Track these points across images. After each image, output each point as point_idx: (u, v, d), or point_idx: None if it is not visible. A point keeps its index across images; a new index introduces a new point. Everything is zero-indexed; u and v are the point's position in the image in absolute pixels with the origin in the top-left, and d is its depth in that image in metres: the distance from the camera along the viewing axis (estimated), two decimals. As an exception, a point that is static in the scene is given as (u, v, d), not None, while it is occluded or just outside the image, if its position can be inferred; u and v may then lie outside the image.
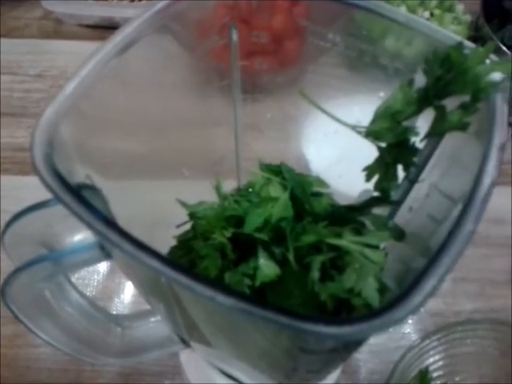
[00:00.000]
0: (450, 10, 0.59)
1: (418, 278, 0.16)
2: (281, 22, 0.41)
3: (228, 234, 0.24)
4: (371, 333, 0.15)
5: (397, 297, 0.15)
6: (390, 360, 0.40)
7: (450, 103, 0.22)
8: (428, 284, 0.15)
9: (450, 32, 0.25)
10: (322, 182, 0.31)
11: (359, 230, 0.27)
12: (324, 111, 0.26)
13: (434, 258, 0.16)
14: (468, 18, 0.60)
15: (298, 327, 0.14)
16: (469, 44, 0.23)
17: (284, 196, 0.27)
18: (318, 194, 0.30)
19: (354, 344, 0.22)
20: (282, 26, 0.40)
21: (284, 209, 0.26)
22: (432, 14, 0.59)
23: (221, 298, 0.15)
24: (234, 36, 0.31)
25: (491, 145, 0.20)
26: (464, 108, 0.22)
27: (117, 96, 0.26)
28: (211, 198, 0.32)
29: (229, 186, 0.34)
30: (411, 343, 0.38)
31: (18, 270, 0.23)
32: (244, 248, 0.25)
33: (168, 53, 0.30)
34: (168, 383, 0.43)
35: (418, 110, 0.23)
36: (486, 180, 0.18)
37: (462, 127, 0.22)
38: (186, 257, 0.26)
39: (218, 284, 0.15)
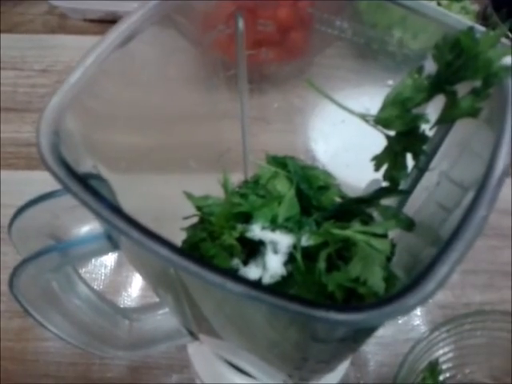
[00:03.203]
0: (457, -1, 0.59)
1: (430, 264, 0.15)
2: (286, 13, 0.40)
3: (236, 234, 0.24)
4: (383, 319, 0.15)
5: (409, 283, 0.15)
6: (399, 352, 0.40)
7: (461, 89, 0.22)
8: (441, 270, 0.15)
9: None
10: (328, 175, 0.31)
11: (367, 221, 0.27)
12: (331, 99, 0.26)
13: (446, 243, 0.16)
14: (476, 7, 0.59)
15: (310, 314, 0.14)
16: (479, 28, 0.23)
17: (290, 193, 0.27)
18: (325, 187, 0.30)
19: (365, 332, 0.22)
20: (287, 16, 0.40)
21: (290, 207, 0.26)
22: (439, 4, 0.58)
23: (231, 285, 0.15)
24: (241, 24, 0.30)
25: (504, 130, 0.19)
26: (475, 94, 0.21)
27: (120, 89, 0.26)
28: (218, 190, 0.32)
29: (236, 177, 0.34)
30: (420, 335, 0.38)
31: (25, 261, 0.23)
32: (252, 244, 0.25)
33: (172, 44, 0.30)
34: (176, 376, 0.43)
35: (428, 97, 0.23)
36: (499, 165, 0.18)
37: (474, 113, 0.21)
38: (195, 252, 0.26)
39: (228, 271, 0.15)
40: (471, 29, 0.21)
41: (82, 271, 0.47)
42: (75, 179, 0.17)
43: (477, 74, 0.21)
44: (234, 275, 0.15)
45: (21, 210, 0.23)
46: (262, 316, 0.20)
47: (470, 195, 0.18)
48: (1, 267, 0.46)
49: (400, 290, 0.15)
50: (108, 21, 0.67)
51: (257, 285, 0.15)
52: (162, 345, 0.34)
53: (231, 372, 0.36)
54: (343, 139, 0.33)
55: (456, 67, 0.22)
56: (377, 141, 0.26)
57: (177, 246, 0.16)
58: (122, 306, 0.45)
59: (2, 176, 0.53)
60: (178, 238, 0.31)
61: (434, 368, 0.38)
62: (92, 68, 0.22)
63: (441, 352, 0.38)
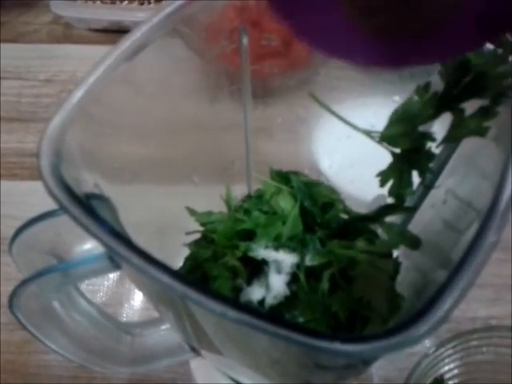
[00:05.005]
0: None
1: (438, 292, 0.15)
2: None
3: (239, 253, 0.24)
4: (390, 350, 0.14)
5: (416, 312, 0.15)
6: (403, 367, 0.39)
7: (469, 107, 0.22)
8: (449, 298, 0.15)
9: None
10: (333, 191, 0.30)
11: (371, 239, 0.26)
12: (336, 115, 0.25)
13: (454, 270, 0.15)
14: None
15: (314, 345, 0.14)
16: (487, 46, 0.22)
17: (293, 212, 0.27)
18: (329, 204, 0.29)
19: (372, 360, 0.22)
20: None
21: (293, 226, 0.26)
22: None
23: (233, 314, 0.14)
24: (245, 40, 0.30)
25: (512, 151, 0.19)
26: (483, 112, 0.21)
27: (126, 101, 0.26)
28: (221, 203, 0.32)
29: (239, 190, 0.34)
30: (425, 350, 0.37)
31: (26, 281, 0.23)
32: (255, 263, 0.25)
33: (178, 57, 0.30)
34: (179, 391, 0.42)
35: (435, 115, 0.22)
36: (508, 189, 0.18)
37: (481, 132, 0.21)
38: (198, 271, 0.26)
39: (230, 300, 0.15)
40: (479, 46, 0.21)
41: (84, 283, 0.47)
42: (76, 202, 0.17)
43: (485, 92, 0.21)
44: (235, 303, 0.15)
45: (22, 228, 0.22)
46: (263, 339, 0.20)
47: (478, 217, 0.18)
48: (3, 278, 0.46)
49: (406, 319, 0.14)
50: (113, 30, 0.67)
51: (258, 313, 0.15)
52: (165, 361, 0.34)
53: (234, 387, 0.36)
54: (348, 154, 0.33)
55: (463, 85, 0.21)
56: (383, 156, 0.25)
57: (177, 272, 0.16)
58: (124, 320, 0.45)
59: (5, 186, 0.53)
60: (181, 250, 0.31)
61: (439, 384, 0.37)
62: (96, 84, 0.22)
63: (446, 368, 0.38)
